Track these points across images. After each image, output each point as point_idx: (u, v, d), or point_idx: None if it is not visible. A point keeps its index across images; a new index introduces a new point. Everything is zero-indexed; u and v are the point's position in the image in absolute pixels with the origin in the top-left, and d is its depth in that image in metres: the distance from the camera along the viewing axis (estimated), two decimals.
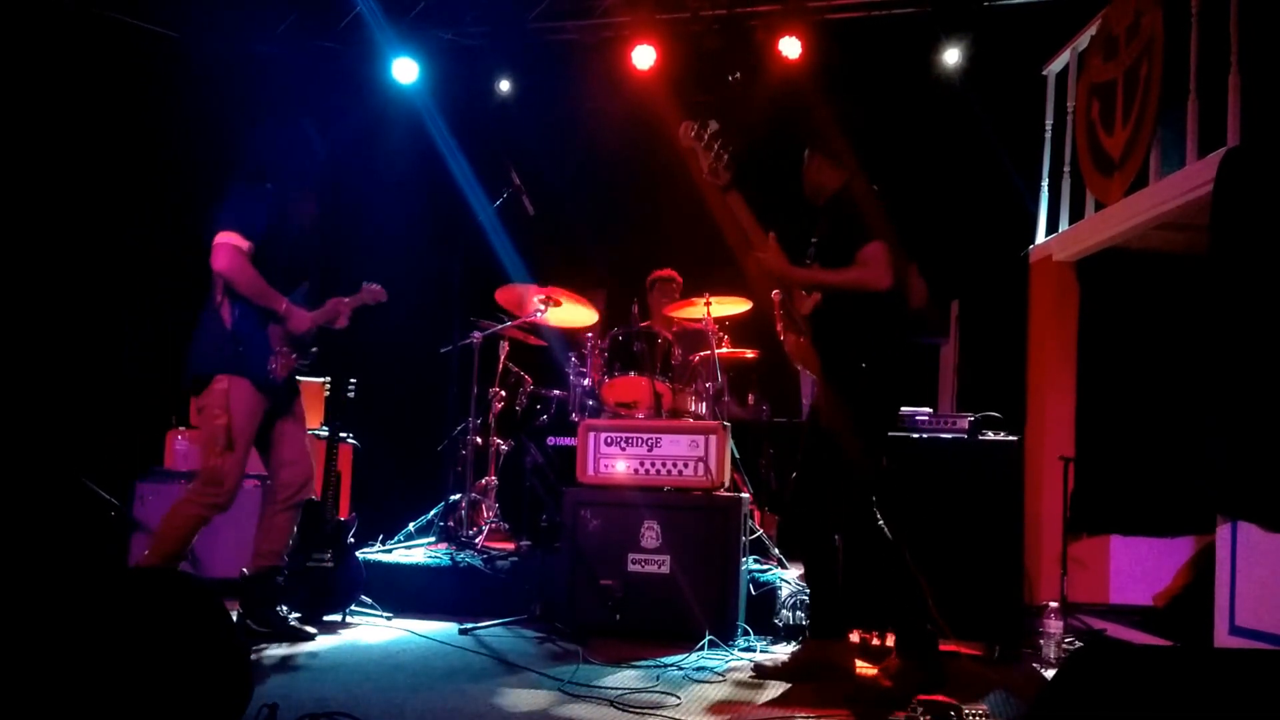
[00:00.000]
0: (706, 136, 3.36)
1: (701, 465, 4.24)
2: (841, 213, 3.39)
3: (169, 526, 3.63)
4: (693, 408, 5.06)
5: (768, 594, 4.23)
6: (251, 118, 6.14)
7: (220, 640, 2.27)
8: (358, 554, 4.28)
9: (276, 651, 3.64)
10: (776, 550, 4.70)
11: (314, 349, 3.90)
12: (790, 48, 6.11)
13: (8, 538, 4.91)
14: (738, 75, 6.22)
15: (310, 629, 3.86)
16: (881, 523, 3.24)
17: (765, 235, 3.40)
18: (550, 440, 5.14)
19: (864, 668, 3.63)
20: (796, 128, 3.63)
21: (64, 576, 2.38)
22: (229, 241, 3.58)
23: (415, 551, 4.85)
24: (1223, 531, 3.57)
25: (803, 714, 3.02)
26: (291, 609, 3.93)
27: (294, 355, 3.77)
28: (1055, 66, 5.38)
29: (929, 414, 4.10)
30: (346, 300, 3.97)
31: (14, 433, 5.33)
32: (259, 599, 3.81)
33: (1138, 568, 4.96)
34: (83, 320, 5.85)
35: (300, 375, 3.91)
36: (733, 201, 3.40)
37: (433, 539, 5.14)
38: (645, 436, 4.32)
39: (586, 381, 5.11)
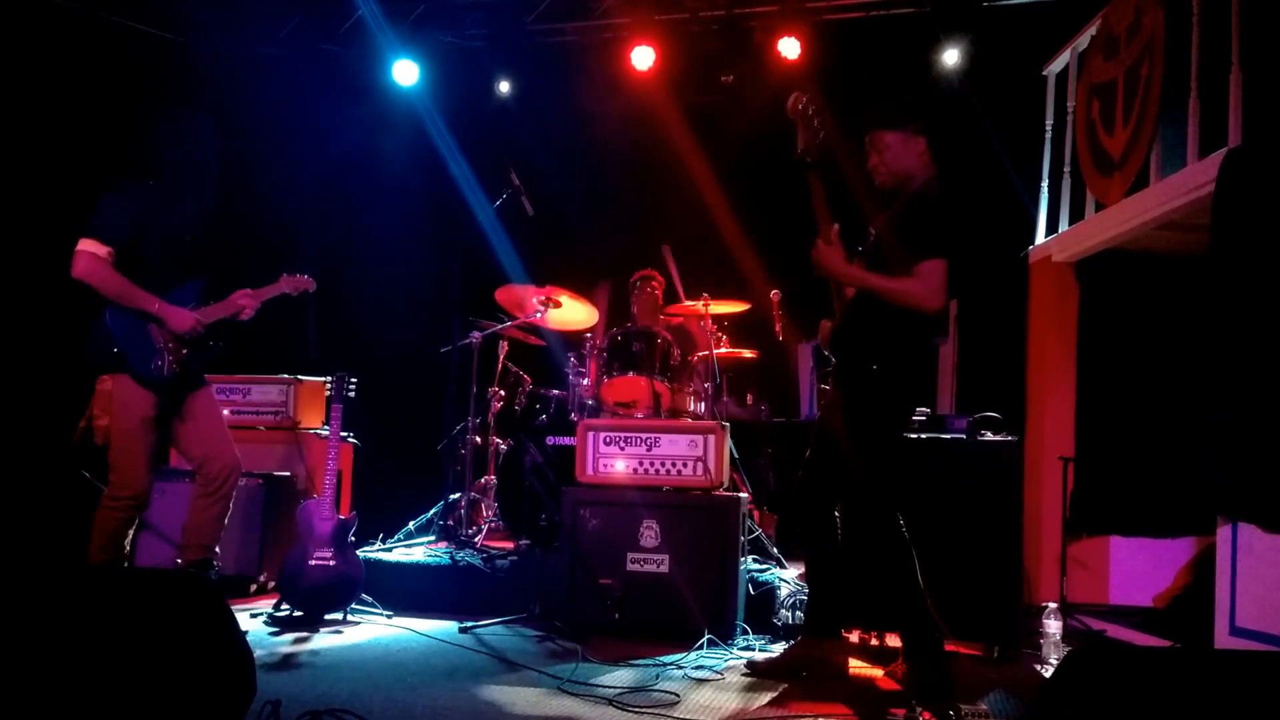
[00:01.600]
0: (811, 111, 3.36)
1: (700, 465, 4.25)
2: (917, 211, 3.27)
3: (96, 533, 3.63)
4: (692, 407, 5.07)
5: (766, 593, 4.23)
6: (254, 120, 6.21)
7: (224, 637, 2.28)
8: (358, 553, 4.29)
9: (279, 649, 3.65)
10: (775, 550, 4.71)
11: (213, 343, 3.83)
12: (789, 48, 6.11)
13: (11, 535, 4.92)
14: (730, 77, 6.22)
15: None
16: (902, 525, 3.23)
17: (831, 224, 3.36)
18: (549, 440, 5.15)
19: (866, 668, 3.64)
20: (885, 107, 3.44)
21: (68, 574, 2.39)
22: (85, 249, 3.55)
23: (415, 550, 4.87)
24: (1223, 532, 3.56)
25: (802, 713, 3.02)
26: (293, 607, 3.93)
27: (184, 351, 3.71)
28: (1055, 66, 5.38)
29: (928, 414, 4.10)
30: (252, 292, 3.89)
31: (16, 429, 5.35)
32: None
33: (1138, 568, 4.94)
34: (85, 319, 5.85)
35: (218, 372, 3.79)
36: (813, 182, 3.38)
37: (432, 538, 5.15)
38: (644, 436, 4.33)
39: (586, 381, 5.12)
